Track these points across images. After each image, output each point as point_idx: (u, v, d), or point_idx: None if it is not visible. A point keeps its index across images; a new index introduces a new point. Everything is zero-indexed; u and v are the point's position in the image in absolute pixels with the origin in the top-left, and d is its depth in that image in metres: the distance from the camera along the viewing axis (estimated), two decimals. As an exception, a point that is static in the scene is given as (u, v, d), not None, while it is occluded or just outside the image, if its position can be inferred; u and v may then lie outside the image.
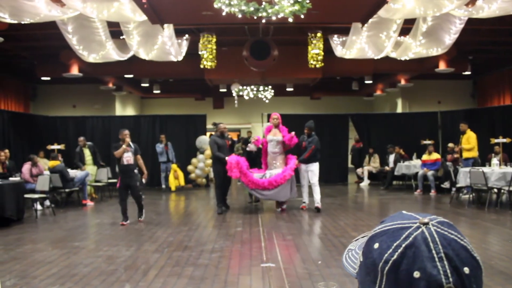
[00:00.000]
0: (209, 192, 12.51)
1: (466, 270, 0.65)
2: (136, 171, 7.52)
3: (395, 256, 0.67)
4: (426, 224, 0.69)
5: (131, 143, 7.51)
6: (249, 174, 8.20)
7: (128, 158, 7.37)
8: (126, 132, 7.50)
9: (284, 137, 8.47)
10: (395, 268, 0.67)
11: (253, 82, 14.65)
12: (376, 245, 0.70)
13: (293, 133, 8.53)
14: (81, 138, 11.17)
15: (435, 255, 0.65)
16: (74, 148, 11.41)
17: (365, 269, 0.72)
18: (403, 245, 0.67)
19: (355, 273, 0.77)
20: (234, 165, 8.07)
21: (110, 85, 15.24)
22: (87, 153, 11.11)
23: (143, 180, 8.09)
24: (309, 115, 13.75)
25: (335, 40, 10.97)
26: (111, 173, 12.33)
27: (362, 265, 0.74)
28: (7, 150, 9.66)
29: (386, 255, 0.68)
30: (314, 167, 8.56)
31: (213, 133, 14.69)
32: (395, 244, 0.68)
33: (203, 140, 13.13)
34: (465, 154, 10.27)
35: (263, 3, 6.23)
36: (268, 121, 9.06)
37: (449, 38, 9.62)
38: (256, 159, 9.60)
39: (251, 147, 8.96)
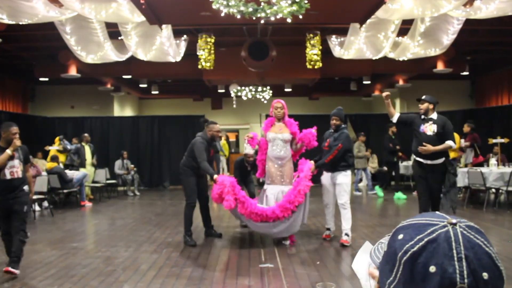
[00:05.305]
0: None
1: (485, 275, 0.65)
2: (26, 188, 4.83)
3: (415, 248, 0.68)
4: (453, 224, 0.69)
5: (19, 148, 4.80)
6: (250, 201, 5.54)
7: (14, 169, 4.71)
8: (15, 129, 4.73)
9: (294, 133, 5.89)
10: (413, 260, 0.68)
11: (251, 82, 14.66)
12: (400, 236, 0.72)
13: (314, 129, 6.01)
14: (86, 135, 11.32)
15: (455, 255, 0.66)
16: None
17: (386, 258, 0.74)
18: (426, 239, 0.68)
19: (378, 262, 0.78)
20: (229, 189, 5.40)
21: (109, 85, 15.23)
22: (87, 151, 11.13)
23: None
24: (308, 115, 13.76)
25: (333, 41, 10.98)
26: (109, 173, 12.34)
27: (384, 254, 0.75)
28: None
29: (407, 245, 0.69)
30: (344, 178, 5.79)
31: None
32: (418, 237, 0.69)
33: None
34: (452, 155, 10.44)
35: (262, 3, 6.24)
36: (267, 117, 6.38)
37: (447, 38, 9.64)
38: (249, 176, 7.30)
39: (246, 149, 6.36)
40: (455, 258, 0.65)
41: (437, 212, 0.75)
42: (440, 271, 0.65)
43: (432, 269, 0.65)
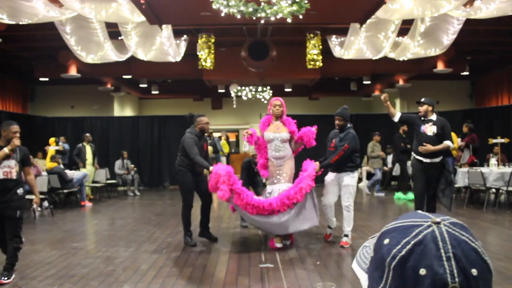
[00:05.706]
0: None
1: (474, 272, 0.65)
2: (20, 191, 4.55)
3: (403, 252, 0.68)
4: (438, 223, 0.69)
5: (17, 148, 4.55)
6: (246, 193, 5.36)
7: (8, 169, 4.44)
8: (15, 127, 4.52)
9: (293, 132, 5.75)
10: (402, 264, 0.67)
11: (251, 82, 14.66)
12: (386, 241, 0.71)
13: (314, 127, 5.85)
14: (87, 134, 11.30)
15: (443, 254, 0.65)
16: (72, 149, 11.44)
17: (375, 264, 0.73)
18: (412, 242, 0.68)
19: (366, 268, 0.78)
20: (225, 179, 5.27)
21: (109, 85, 15.24)
22: (88, 150, 11.13)
23: (35, 206, 5.19)
24: (308, 115, 13.76)
25: (334, 41, 10.98)
26: (109, 173, 12.34)
27: (372, 260, 0.75)
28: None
29: (394, 250, 0.69)
30: (350, 180, 5.65)
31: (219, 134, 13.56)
32: (404, 241, 0.68)
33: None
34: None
35: (262, 3, 6.24)
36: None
37: (447, 38, 9.64)
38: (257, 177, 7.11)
39: (246, 147, 5.99)
40: (444, 258, 0.65)
41: (419, 212, 0.74)
42: (431, 273, 0.65)
43: (422, 271, 0.65)
